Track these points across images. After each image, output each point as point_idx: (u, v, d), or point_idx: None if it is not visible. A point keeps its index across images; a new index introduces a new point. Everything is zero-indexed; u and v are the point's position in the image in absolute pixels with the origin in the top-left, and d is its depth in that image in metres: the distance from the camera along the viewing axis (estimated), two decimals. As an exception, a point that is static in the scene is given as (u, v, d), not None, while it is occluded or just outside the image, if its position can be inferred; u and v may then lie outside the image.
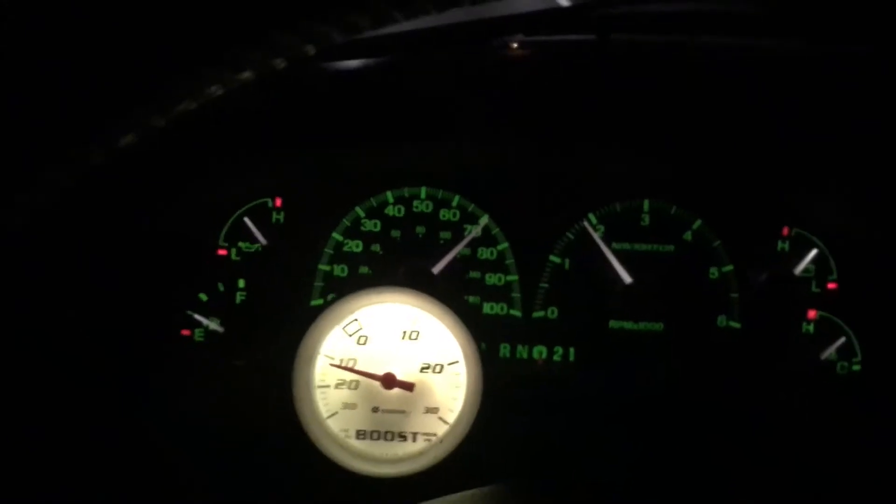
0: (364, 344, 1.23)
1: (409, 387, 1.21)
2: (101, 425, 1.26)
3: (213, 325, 1.36)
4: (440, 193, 1.38)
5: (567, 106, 1.31)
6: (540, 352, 1.37)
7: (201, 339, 1.36)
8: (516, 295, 1.37)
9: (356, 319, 1.23)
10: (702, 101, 1.28)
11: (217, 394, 1.29)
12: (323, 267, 1.37)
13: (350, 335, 1.23)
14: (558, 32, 1.26)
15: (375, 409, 1.23)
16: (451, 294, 1.34)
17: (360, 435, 1.22)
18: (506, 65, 1.28)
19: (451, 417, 1.22)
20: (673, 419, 1.32)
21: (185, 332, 1.36)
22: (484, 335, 1.34)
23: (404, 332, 1.23)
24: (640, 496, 1.19)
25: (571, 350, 1.36)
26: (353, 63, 1.25)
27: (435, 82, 1.28)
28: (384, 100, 1.29)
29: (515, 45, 1.26)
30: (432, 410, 1.22)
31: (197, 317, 1.36)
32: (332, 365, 1.22)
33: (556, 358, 1.37)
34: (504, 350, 1.37)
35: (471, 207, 1.38)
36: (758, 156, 1.35)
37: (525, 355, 1.37)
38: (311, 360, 1.22)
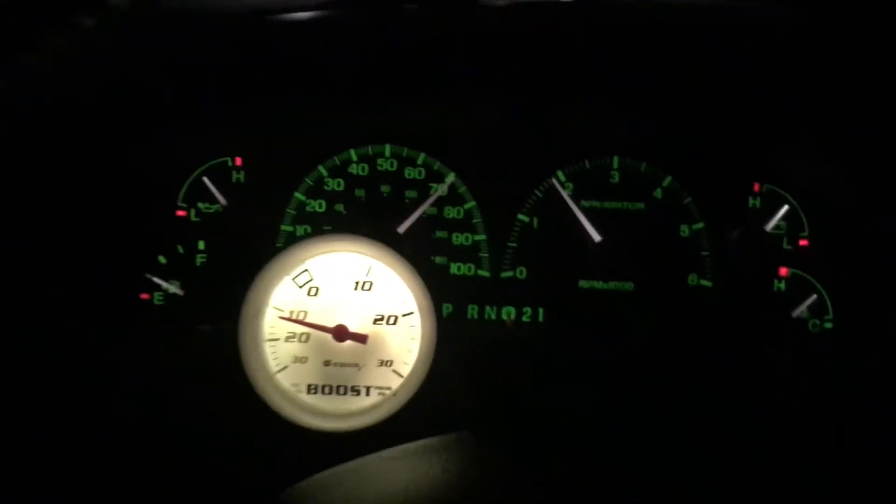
0: (315, 295, 1.20)
1: (362, 339, 1.18)
2: (60, 391, 1.22)
3: (173, 288, 1.33)
4: (405, 151, 1.35)
5: (537, 62, 1.27)
6: (508, 313, 1.34)
7: (161, 302, 1.33)
8: (484, 255, 1.35)
9: (306, 269, 1.20)
10: (672, 58, 1.25)
11: (176, 357, 1.25)
12: (285, 227, 1.34)
13: (300, 286, 1.20)
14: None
15: (327, 363, 1.20)
16: (416, 254, 1.32)
17: (312, 389, 1.19)
18: (474, 18, 1.25)
19: (406, 370, 1.19)
20: (644, 380, 1.30)
21: (145, 296, 1.33)
22: (451, 296, 1.32)
23: (357, 283, 1.20)
24: (608, 460, 1.17)
25: (541, 311, 1.34)
26: (316, 14, 1.21)
27: (401, 36, 1.24)
28: (347, 54, 1.24)
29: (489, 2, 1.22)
30: (386, 363, 1.19)
31: (156, 280, 1.32)
32: (280, 318, 1.18)
33: (525, 319, 1.34)
34: (472, 311, 1.34)
35: (437, 165, 1.35)
36: (729, 112, 1.32)
37: (493, 316, 1.34)
38: (258, 313, 1.18)
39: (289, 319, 1.18)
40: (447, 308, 1.33)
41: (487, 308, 1.34)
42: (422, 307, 1.17)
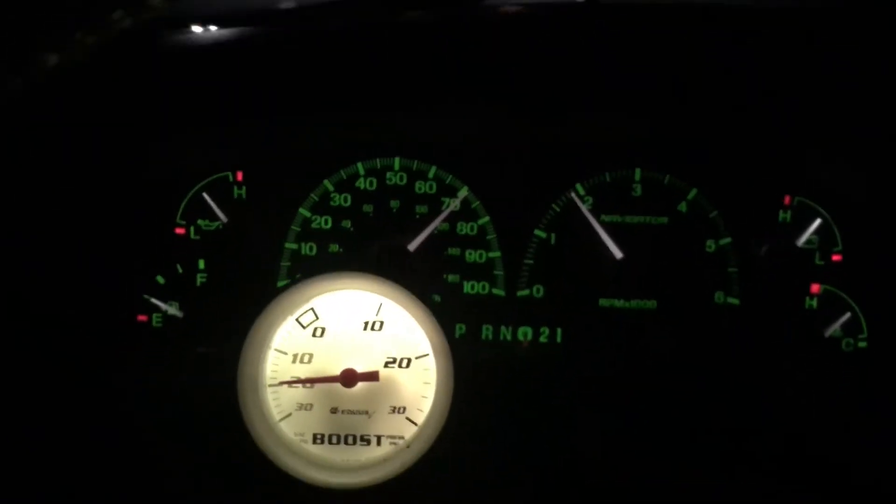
0: (321, 336, 1.12)
1: (373, 377, 1.10)
2: (53, 420, 1.17)
3: (172, 309, 1.27)
4: (415, 164, 1.28)
5: (553, 69, 1.21)
6: (525, 333, 1.28)
7: (159, 324, 1.27)
8: (499, 272, 1.28)
9: (311, 309, 1.12)
10: (696, 63, 1.19)
11: (174, 387, 1.19)
12: (289, 245, 1.27)
13: (305, 326, 1.12)
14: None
15: (334, 410, 1.12)
16: (427, 273, 1.25)
17: (318, 439, 1.11)
18: (488, 25, 1.18)
19: (420, 418, 1.11)
20: (668, 404, 1.24)
21: (142, 318, 1.27)
22: (464, 316, 1.26)
23: (366, 323, 1.13)
24: (638, 496, 1.11)
25: (559, 331, 1.28)
26: (320, 24, 1.15)
27: (410, 44, 1.18)
28: (354, 63, 1.18)
29: (500, 5, 1.16)
30: (399, 410, 1.11)
31: (154, 301, 1.27)
32: (274, 385, 1.10)
33: (542, 339, 1.28)
34: (486, 332, 1.28)
35: (448, 179, 1.28)
36: (757, 120, 1.26)
37: (509, 337, 1.28)
38: (259, 356, 1.10)
39: (289, 383, 1.10)
40: (460, 329, 1.27)
41: (503, 328, 1.28)
42: (437, 349, 1.10)
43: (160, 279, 1.27)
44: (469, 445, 1.02)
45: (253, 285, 1.24)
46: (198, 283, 1.27)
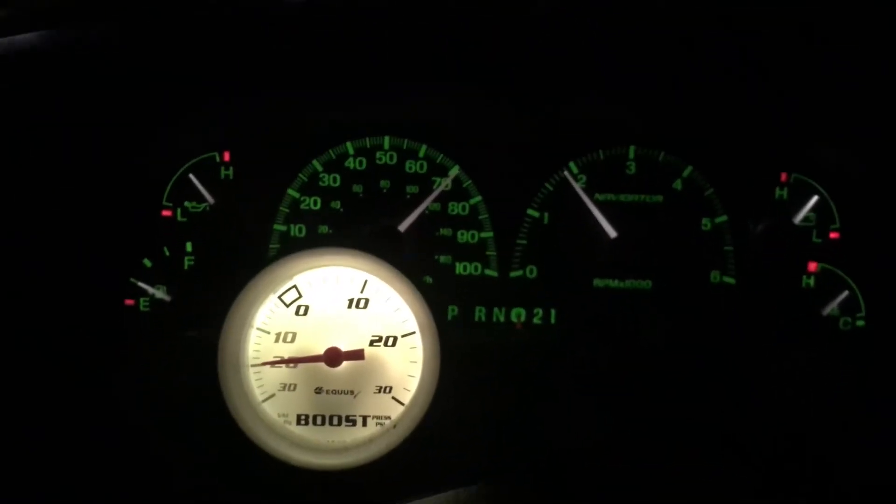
0: (304, 314, 1.09)
1: (358, 356, 1.07)
2: (38, 406, 1.15)
3: (160, 293, 1.25)
4: (405, 143, 1.26)
5: (544, 45, 1.18)
6: (518, 314, 1.26)
7: (147, 308, 1.25)
8: (492, 253, 1.26)
9: (294, 286, 1.10)
10: (690, 37, 1.16)
11: (162, 371, 1.17)
12: (278, 227, 1.26)
13: (288, 305, 1.09)
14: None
15: (319, 390, 1.09)
16: (418, 254, 1.23)
17: (302, 420, 1.09)
18: (480, 4, 1.16)
19: (407, 398, 1.09)
20: (663, 385, 1.22)
21: (129, 302, 1.25)
22: (457, 297, 1.24)
23: (351, 301, 1.10)
24: (631, 481, 1.09)
25: (553, 311, 1.26)
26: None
27: (401, 21, 1.15)
28: (342, 39, 1.15)
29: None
30: (385, 390, 1.09)
31: (141, 284, 1.24)
32: (256, 365, 1.07)
33: (535, 320, 1.26)
34: (479, 313, 1.26)
35: (439, 158, 1.26)
36: (752, 96, 1.23)
37: (502, 318, 1.26)
38: (240, 336, 1.07)
39: (270, 363, 1.07)
40: (453, 310, 1.25)
41: (496, 310, 1.26)
42: (423, 327, 1.07)
43: (147, 262, 1.25)
44: (457, 426, 1.00)
45: (241, 267, 1.22)
46: (185, 266, 1.25)
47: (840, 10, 1.11)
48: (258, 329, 1.09)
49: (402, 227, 1.24)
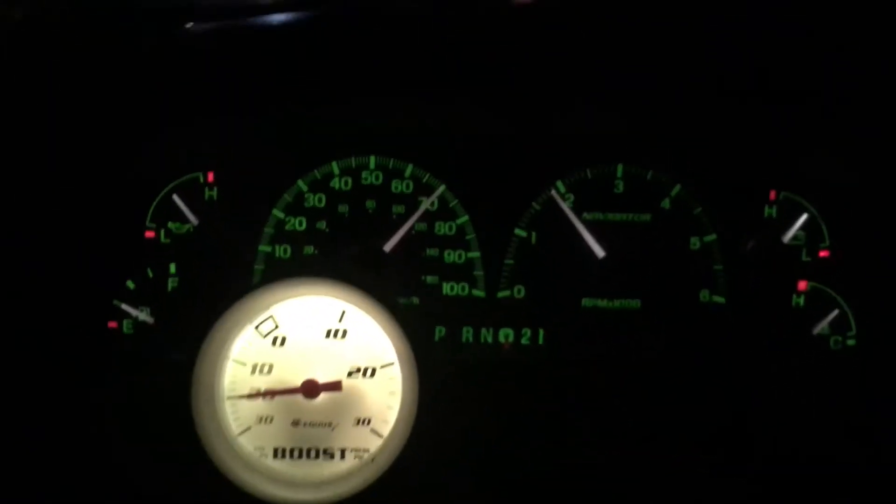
0: (281, 345, 1.07)
1: (336, 387, 1.05)
2: (22, 427, 1.13)
3: (143, 315, 1.23)
4: (391, 163, 1.25)
5: (531, 62, 1.17)
6: (506, 335, 1.25)
7: (130, 331, 1.24)
8: (479, 273, 1.25)
9: (271, 316, 1.08)
10: (679, 55, 1.15)
11: (138, 394, 1.15)
12: (263, 248, 1.24)
13: (264, 336, 1.07)
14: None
15: (296, 423, 1.06)
16: (405, 275, 1.22)
17: (278, 453, 1.06)
18: (466, 19, 1.15)
19: (386, 430, 1.06)
20: (653, 406, 1.21)
21: (112, 325, 1.24)
22: (444, 318, 1.23)
23: (329, 331, 1.08)
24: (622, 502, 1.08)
25: (541, 332, 1.25)
26: (291, 15, 1.11)
27: (384, 35, 1.14)
28: (326, 57, 1.14)
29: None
30: (364, 422, 1.06)
31: (124, 307, 1.23)
32: (232, 397, 1.05)
33: (524, 341, 1.25)
34: (466, 334, 1.25)
35: (426, 177, 1.25)
36: (741, 114, 1.23)
37: (490, 339, 1.25)
38: (215, 368, 1.05)
39: (248, 396, 1.05)
40: (440, 331, 1.24)
41: (483, 330, 1.25)
42: (402, 357, 1.05)
43: (130, 284, 1.24)
44: (438, 458, 0.98)
45: (226, 290, 1.21)
46: (169, 289, 1.24)
47: (827, 29, 1.10)
48: (234, 361, 1.07)
49: (388, 247, 1.23)
